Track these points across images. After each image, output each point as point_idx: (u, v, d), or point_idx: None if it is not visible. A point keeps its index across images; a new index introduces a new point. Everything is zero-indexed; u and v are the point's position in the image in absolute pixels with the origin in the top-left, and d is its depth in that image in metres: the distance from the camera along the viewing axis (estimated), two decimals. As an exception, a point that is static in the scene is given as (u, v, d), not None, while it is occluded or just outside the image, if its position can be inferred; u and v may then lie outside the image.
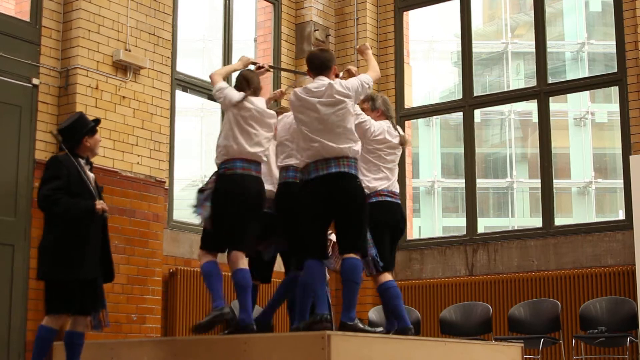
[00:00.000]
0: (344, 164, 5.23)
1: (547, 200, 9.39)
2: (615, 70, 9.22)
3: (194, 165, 21.73)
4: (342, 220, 5.26)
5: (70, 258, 5.28)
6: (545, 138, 9.49)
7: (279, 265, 6.09)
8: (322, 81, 5.37)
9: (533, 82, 10.12)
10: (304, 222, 5.31)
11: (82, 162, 5.48)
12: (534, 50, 9.88)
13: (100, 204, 5.38)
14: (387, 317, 6.00)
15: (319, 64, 5.45)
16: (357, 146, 5.33)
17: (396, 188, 6.03)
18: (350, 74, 5.79)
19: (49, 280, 5.34)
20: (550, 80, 9.82)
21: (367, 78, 5.50)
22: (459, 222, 21.92)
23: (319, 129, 5.26)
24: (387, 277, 5.77)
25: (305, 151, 5.32)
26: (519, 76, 25.70)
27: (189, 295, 8.28)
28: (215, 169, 5.67)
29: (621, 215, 9.51)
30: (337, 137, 5.25)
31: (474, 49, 10.47)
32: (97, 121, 5.62)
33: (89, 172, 5.51)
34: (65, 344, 5.44)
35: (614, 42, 9.20)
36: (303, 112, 5.33)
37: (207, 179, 5.70)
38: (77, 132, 5.48)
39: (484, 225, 20.40)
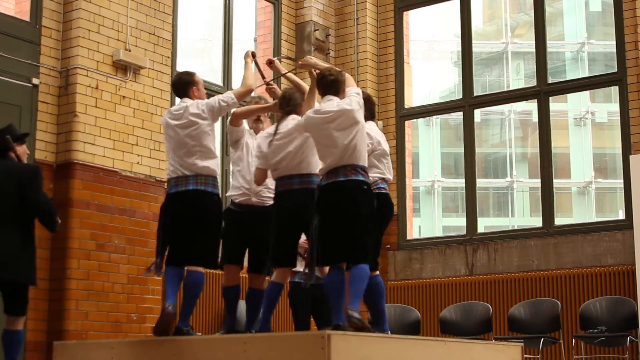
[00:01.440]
0: (201, 182, 5.53)
1: (547, 200, 9.39)
2: (615, 70, 9.23)
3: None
4: (192, 234, 5.52)
5: (35, 263, 5.57)
6: (545, 138, 9.49)
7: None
8: (184, 103, 5.67)
9: (533, 82, 10.12)
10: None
11: None
12: (534, 50, 9.88)
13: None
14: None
15: (180, 87, 5.75)
16: (214, 164, 5.63)
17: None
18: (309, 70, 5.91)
19: (28, 285, 5.56)
20: (550, 80, 9.83)
21: (227, 95, 5.71)
22: (459, 222, 21.89)
23: (176, 148, 5.61)
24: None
25: (170, 166, 5.67)
26: (519, 76, 25.68)
27: (189, 295, 8.27)
28: None
29: (621, 215, 9.51)
30: (192, 156, 5.55)
31: (474, 49, 10.48)
32: (25, 134, 5.89)
33: None
34: (10, 343, 5.55)
35: (614, 42, 9.20)
36: (167, 132, 5.71)
37: None
38: (8, 137, 5.66)
39: (484, 224, 20.37)
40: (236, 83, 9.58)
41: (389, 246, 9.84)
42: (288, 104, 5.80)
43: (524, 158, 26.12)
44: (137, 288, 7.75)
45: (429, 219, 24.71)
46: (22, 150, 5.69)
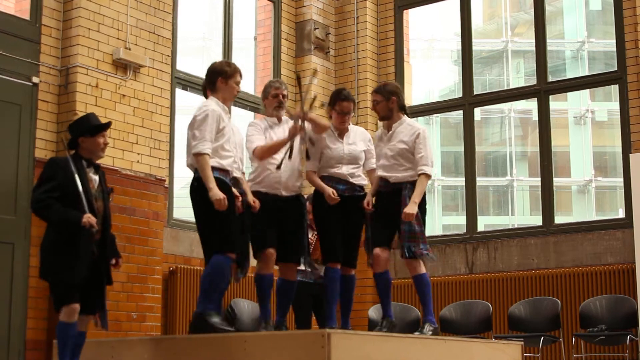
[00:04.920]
0: None
1: (547, 198, 9.39)
2: (615, 69, 9.22)
3: (194, 164, 21.63)
4: None
5: (61, 261, 5.20)
6: (545, 136, 9.49)
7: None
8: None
9: (533, 81, 10.12)
10: None
11: (85, 164, 5.35)
12: (534, 48, 9.88)
13: (87, 218, 5.17)
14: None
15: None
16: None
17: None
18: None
19: (48, 280, 5.34)
20: (550, 78, 9.82)
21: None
22: (459, 221, 21.90)
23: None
24: None
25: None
26: (519, 74, 25.67)
27: (189, 294, 8.29)
28: None
29: (621, 214, 9.51)
30: None
31: (474, 48, 10.48)
32: (102, 125, 5.45)
33: (91, 175, 5.38)
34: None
35: (614, 41, 9.20)
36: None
37: None
38: (74, 131, 5.41)
39: (484, 223, 20.36)
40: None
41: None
42: None
43: (524, 157, 26.11)
44: (137, 287, 7.75)
45: (428, 217, 24.57)
46: (90, 143, 5.35)
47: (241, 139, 6.08)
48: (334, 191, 5.95)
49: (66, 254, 5.19)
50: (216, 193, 5.27)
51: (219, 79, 5.64)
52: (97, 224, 5.26)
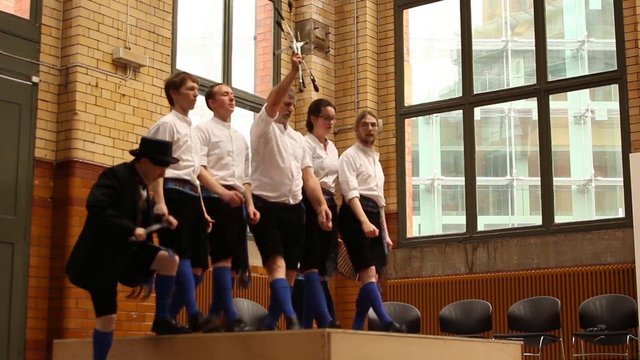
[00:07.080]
0: None
1: (547, 198, 9.39)
2: (615, 68, 9.22)
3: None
4: None
5: (91, 271, 5.11)
6: (545, 136, 9.49)
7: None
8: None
9: (533, 80, 10.12)
10: None
11: (138, 179, 5.26)
12: (534, 48, 9.87)
13: (137, 236, 5.04)
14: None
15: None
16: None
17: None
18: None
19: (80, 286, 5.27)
20: (550, 78, 9.81)
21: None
22: (458, 220, 21.92)
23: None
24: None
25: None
26: (519, 74, 25.71)
27: (189, 293, 8.27)
28: None
29: (621, 213, 9.51)
30: None
31: (474, 47, 10.46)
32: (168, 161, 5.31)
33: (141, 191, 5.29)
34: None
35: (614, 40, 9.19)
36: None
37: None
38: (144, 147, 5.27)
39: (483, 223, 20.42)
40: (236, 82, 9.59)
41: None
42: None
43: (523, 156, 26.14)
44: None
45: (428, 217, 24.73)
46: (148, 167, 5.22)
47: (243, 147, 6.05)
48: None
49: (98, 263, 5.09)
50: (158, 207, 5.41)
51: (171, 92, 5.76)
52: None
